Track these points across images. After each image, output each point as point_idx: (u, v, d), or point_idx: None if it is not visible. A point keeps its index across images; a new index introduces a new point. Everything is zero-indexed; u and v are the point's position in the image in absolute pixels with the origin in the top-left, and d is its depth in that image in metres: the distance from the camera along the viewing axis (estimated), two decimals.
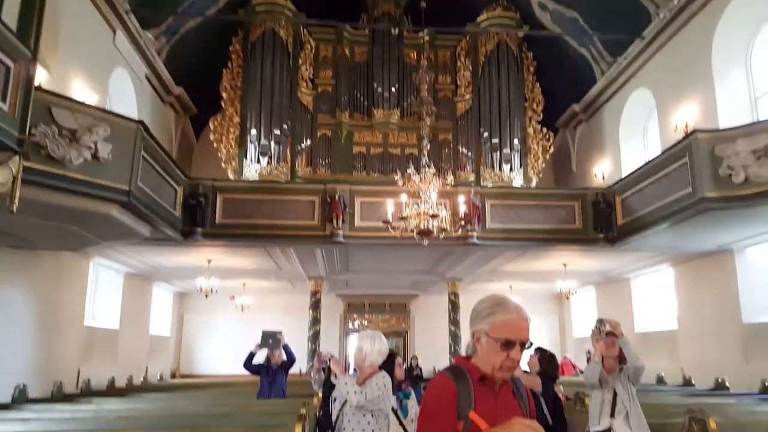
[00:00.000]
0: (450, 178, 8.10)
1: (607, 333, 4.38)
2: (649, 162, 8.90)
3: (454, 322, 12.81)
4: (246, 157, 12.15)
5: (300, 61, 13.26)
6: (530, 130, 13.32)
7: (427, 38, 13.85)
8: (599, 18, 11.72)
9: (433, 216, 7.09)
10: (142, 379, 12.07)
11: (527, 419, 1.63)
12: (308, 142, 13.01)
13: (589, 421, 4.48)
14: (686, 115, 9.85)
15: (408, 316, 17.04)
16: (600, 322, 4.49)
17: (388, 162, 13.14)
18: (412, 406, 4.51)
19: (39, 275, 8.38)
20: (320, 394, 4.60)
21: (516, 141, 12.79)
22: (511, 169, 12.70)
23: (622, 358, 4.31)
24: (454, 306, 12.95)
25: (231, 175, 12.14)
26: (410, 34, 13.87)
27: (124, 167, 6.60)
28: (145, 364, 13.04)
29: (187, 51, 12.39)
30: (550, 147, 13.42)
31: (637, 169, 9.22)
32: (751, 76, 9.15)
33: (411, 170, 7.57)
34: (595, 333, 4.48)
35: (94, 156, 6.15)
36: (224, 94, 12.66)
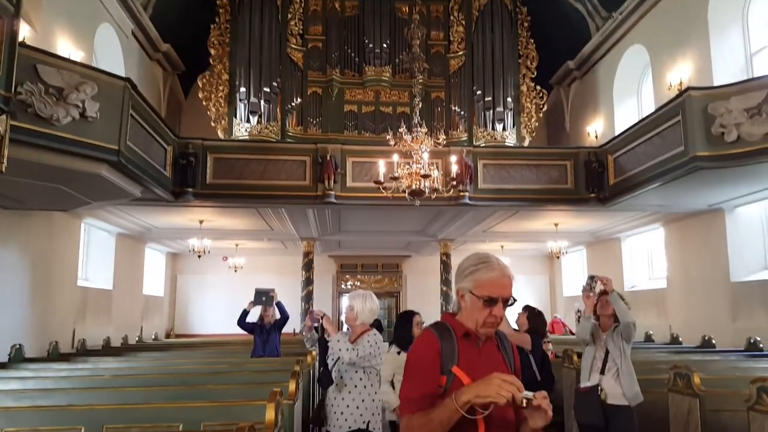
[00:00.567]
0: (442, 138, 8.01)
1: (600, 293, 4.44)
2: (642, 120, 8.82)
3: (445, 282, 12.93)
4: (236, 116, 11.97)
5: (289, 16, 12.90)
6: (524, 88, 13.17)
7: None
8: None
9: (425, 176, 7.06)
10: (137, 339, 12.20)
11: (506, 374, 1.64)
12: (298, 100, 12.81)
13: (580, 376, 4.57)
14: (681, 73, 9.76)
15: (400, 277, 17.20)
16: (591, 278, 4.53)
17: (380, 121, 12.98)
18: None
19: (31, 235, 8.36)
20: (314, 353, 4.66)
21: (509, 99, 12.65)
22: (504, 128, 12.61)
23: (617, 317, 4.35)
24: (445, 266, 13.06)
25: (221, 134, 11.99)
26: None
27: (113, 126, 6.52)
28: (140, 324, 13.17)
29: (174, 6, 12.05)
30: (543, 105, 13.31)
31: (630, 128, 9.15)
32: (747, 31, 9.03)
33: (403, 130, 7.49)
34: (586, 289, 4.54)
35: (82, 115, 6.09)
36: (212, 51, 12.37)
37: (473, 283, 1.85)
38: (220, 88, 12.23)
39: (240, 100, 11.91)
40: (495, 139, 12.51)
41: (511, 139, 12.62)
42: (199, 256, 12.09)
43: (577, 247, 14.89)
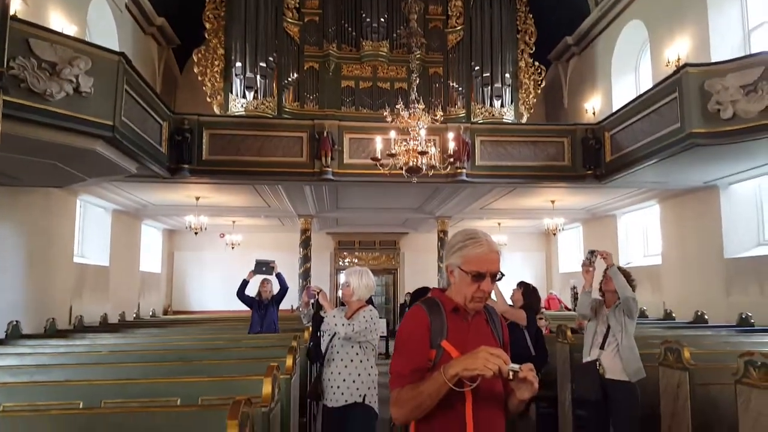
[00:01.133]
0: (440, 114, 7.96)
1: (604, 272, 4.47)
2: (639, 97, 8.81)
3: (443, 259, 12.94)
4: (231, 92, 11.85)
5: None
6: (522, 64, 13.07)
7: None
8: None
9: (422, 153, 7.04)
10: (134, 316, 12.25)
11: (493, 347, 1.67)
12: (295, 75, 12.67)
13: (582, 351, 4.62)
14: (679, 49, 9.69)
15: (398, 254, 17.26)
16: (591, 253, 4.58)
17: (378, 97, 12.88)
18: None
19: (27, 212, 8.34)
20: (310, 328, 4.69)
21: (507, 75, 12.54)
22: (502, 105, 12.54)
23: None
24: (443, 243, 13.10)
25: (216, 110, 11.87)
26: None
27: (107, 101, 6.49)
28: (137, 300, 13.22)
29: None
30: (541, 81, 13.22)
31: (627, 105, 9.13)
32: (746, 6, 8.94)
33: (400, 106, 7.44)
34: (585, 263, 4.58)
35: (76, 90, 6.06)
36: (207, 25, 12.19)
37: (462, 259, 1.88)
38: (216, 62, 12.09)
39: (236, 75, 11.78)
40: (493, 115, 12.44)
41: (509, 116, 12.56)
42: (196, 233, 12.10)
43: (573, 224, 14.95)
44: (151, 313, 13.25)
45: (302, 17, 13.00)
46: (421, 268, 15.97)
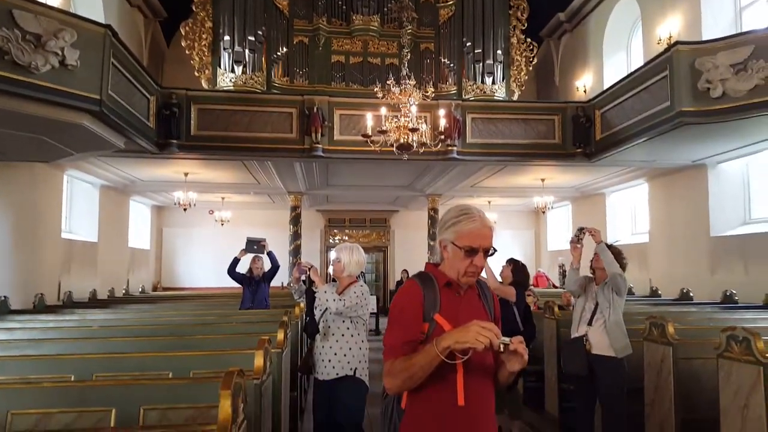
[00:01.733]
0: (431, 90, 7.91)
1: (594, 254, 4.49)
2: (630, 75, 8.79)
3: (433, 236, 13.02)
4: (220, 66, 11.68)
5: None
6: (514, 40, 12.97)
7: None
8: None
9: (413, 130, 7.01)
10: (123, 292, 12.23)
11: (485, 321, 1.69)
12: (284, 49, 12.50)
13: (571, 327, 4.68)
14: (670, 27, 9.69)
15: (388, 231, 17.29)
16: (580, 230, 4.59)
17: (368, 72, 12.75)
18: None
19: (13, 187, 8.25)
20: (302, 304, 4.71)
21: (499, 52, 12.46)
22: (493, 82, 12.47)
23: None
24: (433, 221, 13.14)
25: (204, 85, 11.72)
26: None
27: (94, 75, 6.39)
28: (126, 276, 13.18)
29: None
30: (533, 58, 13.15)
31: (618, 83, 9.13)
32: None
33: (391, 82, 7.38)
34: (573, 240, 4.59)
35: (62, 63, 5.97)
36: None
37: (455, 235, 1.90)
38: (204, 36, 11.88)
39: (224, 48, 11.60)
40: (484, 92, 12.39)
41: (500, 93, 12.51)
42: (185, 210, 12.03)
43: (562, 202, 15.03)
44: (140, 290, 13.25)
45: None
46: (411, 245, 16.03)
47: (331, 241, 16.87)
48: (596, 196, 13.48)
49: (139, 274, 14.19)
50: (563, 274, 14.73)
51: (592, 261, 4.56)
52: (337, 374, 3.76)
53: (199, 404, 2.73)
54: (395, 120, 7.09)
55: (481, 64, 12.40)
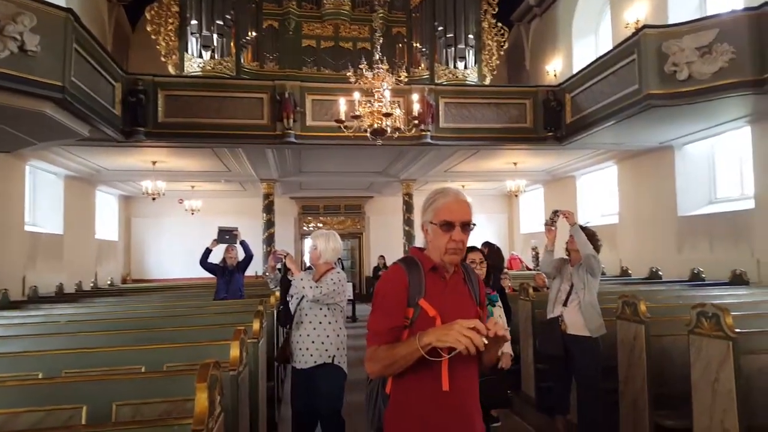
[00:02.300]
0: (404, 75, 7.85)
1: (569, 241, 4.53)
2: (599, 59, 8.90)
3: (408, 222, 13.05)
4: (187, 51, 11.38)
5: None
6: (485, 25, 12.94)
7: None
8: None
9: (387, 115, 6.95)
10: (91, 285, 11.92)
11: (470, 320, 1.65)
12: (253, 34, 12.25)
13: (547, 308, 4.73)
14: (638, 11, 9.81)
15: (363, 218, 17.25)
16: (554, 213, 4.64)
17: (340, 57, 12.59)
18: (500, 315, 4.07)
19: None
20: (277, 293, 4.64)
21: (470, 36, 12.43)
22: (465, 66, 12.45)
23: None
24: (408, 206, 13.15)
25: (172, 70, 11.41)
26: None
27: (56, 61, 6.21)
28: (94, 269, 12.88)
29: None
30: (504, 43, 13.15)
31: (587, 67, 9.23)
32: None
33: (364, 66, 7.29)
34: (548, 223, 4.64)
35: (21, 48, 5.79)
36: None
37: (432, 214, 1.90)
38: (170, 20, 11.55)
39: (191, 33, 11.30)
40: (456, 77, 12.36)
41: (472, 78, 12.50)
42: (154, 199, 11.77)
43: (535, 185, 15.19)
44: (109, 282, 12.94)
45: None
46: (387, 231, 16.01)
47: (305, 228, 16.75)
48: (567, 178, 13.65)
49: (107, 267, 13.87)
50: (536, 257, 14.91)
51: (567, 243, 4.61)
52: (315, 362, 3.72)
53: (173, 398, 2.65)
54: (368, 105, 7.01)
55: (453, 48, 12.35)
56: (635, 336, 4.29)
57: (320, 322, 3.78)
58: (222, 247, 7.07)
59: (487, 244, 5.59)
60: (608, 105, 8.38)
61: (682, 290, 6.89)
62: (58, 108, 6.48)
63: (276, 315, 4.70)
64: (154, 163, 10.49)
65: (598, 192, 12.99)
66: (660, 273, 9.05)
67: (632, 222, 10.98)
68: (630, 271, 10.01)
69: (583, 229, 4.50)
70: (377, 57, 7.41)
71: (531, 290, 5.84)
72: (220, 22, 11.35)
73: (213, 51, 11.37)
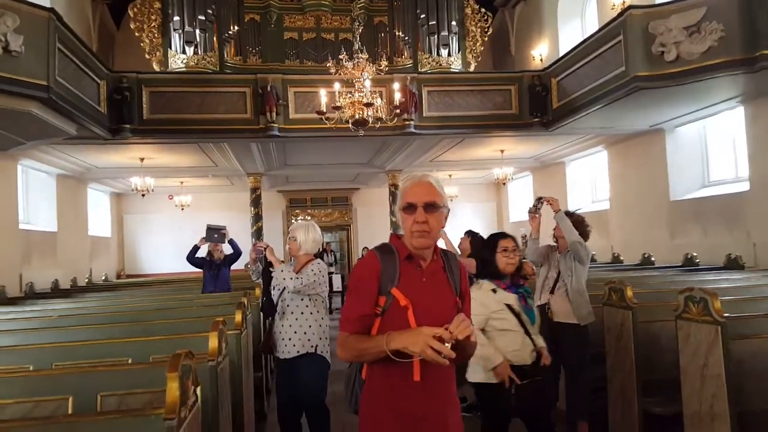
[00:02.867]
0: (384, 64, 7.87)
1: (555, 228, 4.53)
2: (585, 41, 8.77)
3: (395, 213, 13.05)
4: (171, 47, 11.37)
5: None
6: (468, 11, 12.90)
7: None
8: None
9: (368, 105, 7.00)
10: (86, 281, 12.03)
11: (436, 328, 1.65)
12: (236, 28, 12.22)
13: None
14: None
15: (350, 210, 17.27)
16: (538, 200, 4.62)
17: (322, 49, 12.58)
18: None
19: None
20: (261, 285, 4.74)
21: (454, 23, 12.37)
22: (449, 54, 12.44)
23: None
24: (395, 198, 13.15)
25: (156, 67, 11.40)
26: None
27: (40, 60, 6.28)
28: (88, 265, 12.94)
29: None
30: (488, 28, 13.13)
31: (573, 50, 9.11)
32: None
33: (344, 57, 7.32)
34: (531, 210, 4.62)
35: (6, 49, 5.87)
36: None
37: (400, 201, 1.92)
38: (153, 17, 11.54)
39: (174, 29, 11.28)
40: (440, 65, 12.36)
41: (456, 65, 12.50)
42: (143, 195, 11.82)
43: (523, 173, 15.19)
44: (103, 278, 13.03)
45: None
46: (374, 223, 16.04)
47: (293, 221, 16.76)
48: (556, 165, 13.62)
49: (101, 263, 13.93)
50: (526, 245, 14.94)
51: (554, 230, 4.61)
52: (298, 352, 3.81)
53: (157, 389, 2.73)
54: (349, 95, 7.06)
55: (436, 36, 12.32)
56: (622, 322, 4.25)
57: (302, 313, 3.86)
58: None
59: (469, 233, 5.68)
60: (595, 89, 8.26)
61: (674, 276, 6.76)
62: (45, 107, 6.54)
63: (260, 307, 4.80)
64: (142, 159, 10.52)
65: (589, 178, 12.93)
66: (653, 259, 8.94)
67: (624, 208, 10.86)
68: (622, 258, 9.88)
69: (571, 215, 4.49)
70: (357, 47, 7.44)
71: None
72: (202, 18, 11.33)
73: (196, 47, 11.36)
